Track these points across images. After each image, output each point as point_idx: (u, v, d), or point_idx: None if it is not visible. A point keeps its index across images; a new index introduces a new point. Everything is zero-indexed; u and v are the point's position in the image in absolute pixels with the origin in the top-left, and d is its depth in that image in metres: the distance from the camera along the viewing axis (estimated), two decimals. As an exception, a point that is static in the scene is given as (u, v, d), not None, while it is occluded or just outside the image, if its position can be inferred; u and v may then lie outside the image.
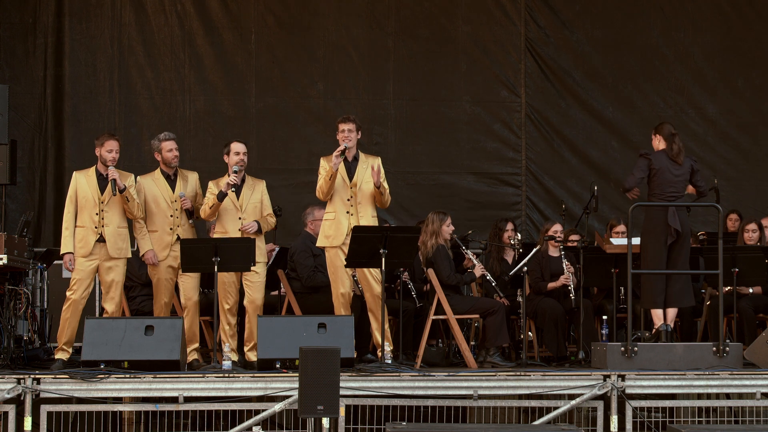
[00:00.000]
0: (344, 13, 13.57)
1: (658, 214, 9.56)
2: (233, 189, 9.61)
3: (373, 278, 9.42)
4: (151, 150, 9.94)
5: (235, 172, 9.60)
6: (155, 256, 9.68)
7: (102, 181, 9.61)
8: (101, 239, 9.52)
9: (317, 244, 9.70)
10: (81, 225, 9.54)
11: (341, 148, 9.42)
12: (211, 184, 9.75)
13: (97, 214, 9.54)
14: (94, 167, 9.70)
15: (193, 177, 9.94)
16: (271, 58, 13.54)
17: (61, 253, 9.57)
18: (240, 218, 9.67)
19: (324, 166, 9.56)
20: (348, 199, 9.51)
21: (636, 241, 9.73)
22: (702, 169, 10.06)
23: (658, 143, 9.75)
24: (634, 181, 9.67)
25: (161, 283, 9.72)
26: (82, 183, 9.59)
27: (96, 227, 9.52)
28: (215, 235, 9.75)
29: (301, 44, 13.54)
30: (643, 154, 9.71)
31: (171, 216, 9.73)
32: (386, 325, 9.36)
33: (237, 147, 9.76)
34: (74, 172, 9.76)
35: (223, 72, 13.50)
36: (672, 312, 9.66)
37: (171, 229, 9.70)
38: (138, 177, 9.86)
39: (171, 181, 9.80)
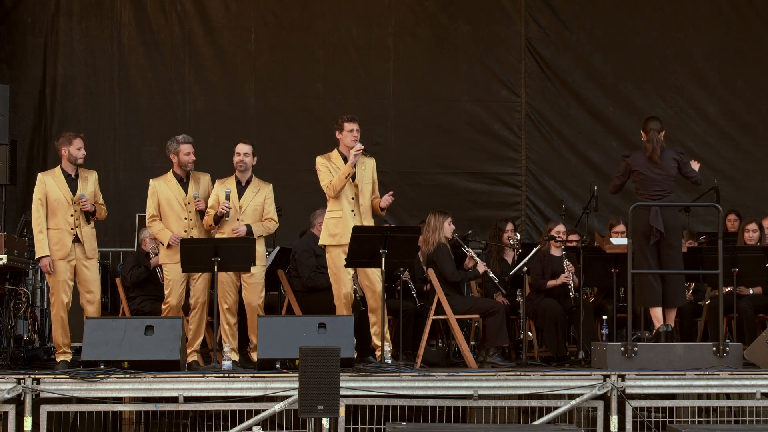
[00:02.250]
0: (344, 12, 13.57)
1: (643, 213, 9.55)
2: (227, 217, 9.64)
3: (376, 277, 9.44)
4: (167, 151, 9.86)
5: (227, 207, 9.61)
6: (176, 239, 9.61)
7: (71, 181, 9.59)
8: (77, 239, 9.51)
9: (320, 243, 9.69)
10: (55, 227, 9.50)
11: (361, 147, 9.45)
12: (217, 184, 9.79)
13: (71, 215, 9.52)
14: (58, 167, 9.66)
15: (205, 179, 9.91)
16: (271, 58, 13.54)
17: (38, 257, 9.52)
18: (238, 219, 9.69)
19: (325, 163, 9.56)
20: (353, 198, 9.53)
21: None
22: (697, 166, 10.04)
23: (644, 137, 9.75)
24: (614, 188, 9.80)
25: (171, 284, 9.68)
26: (51, 185, 9.54)
27: (72, 228, 9.51)
28: (216, 235, 9.75)
29: (301, 44, 13.54)
30: (623, 156, 9.75)
31: (186, 219, 9.71)
32: (386, 326, 9.36)
33: (238, 147, 9.81)
34: (39, 174, 9.71)
35: (222, 72, 13.50)
36: (672, 312, 9.66)
37: (186, 231, 9.68)
38: (151, 180, 9.86)
39: (183, 183, 9.79)
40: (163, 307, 9.76)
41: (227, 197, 9.67)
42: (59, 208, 9.50)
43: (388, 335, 9.41)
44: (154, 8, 13.43)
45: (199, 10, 13.48)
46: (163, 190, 9.75)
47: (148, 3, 13.42)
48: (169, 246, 9.64)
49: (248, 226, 9.69)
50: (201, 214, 9.76)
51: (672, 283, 9.60)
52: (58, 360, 9.45)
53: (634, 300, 9.68)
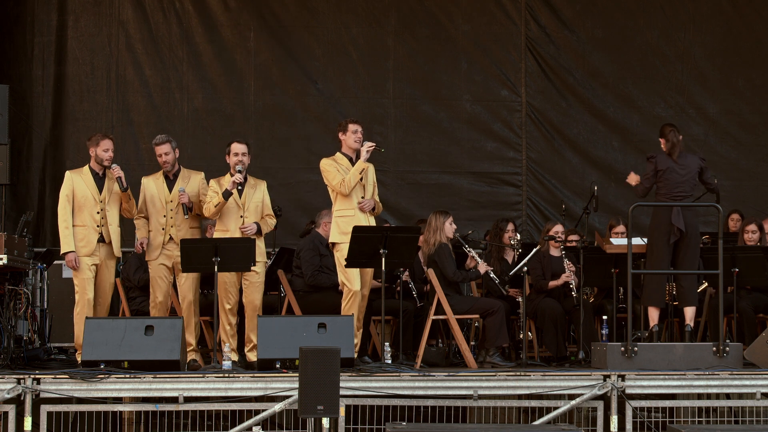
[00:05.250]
0: (343, 11, 13.55)
1: (664, 213, 9.59)
2: (238, 188, 9.60)
3: (368, 281, 9.46)
4: (151, 148, 9.91)
5: (239, 171, 9.60)
6: (144, 244, 9.69)
7: (99, 179, 9.64)
8: (102, 238, 9.55)
9: (330, 240, 9.67)
10: (81, 224, 9.57)
11: (373, 144, 9.48)
12: (212, 182, 9.74)
13: (98, 212, 9.58)
14: (86, 166, 9.72)
15: (196, 177, 9.90)
16: (270, 56, 13.52)
17: (63, 252, 9.57)
18: (242, 217, 9.68)
19: (332, 164, 9.56)
20: (362, 198, 9.55)
21: (641, 241, 9.77)
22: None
23: (663, 145, 9.79)
24: (643, 191, 9.76)
25: (154, 282, 9.73)
26: (79, 182, 9.60)
27: (98, 226, 9.57)
28: (216, 234, 9.74)
29: (301, 42, 13.52)
30: (649, 157, 9.78)
31: (164, 216, 9.73)
32: (379, 327, 9.36)
33: (236, 147, 9.75)
34: (67, 172, 9.77)
35: (221, 70, 13.48)
36: (690, 311, 9.66)
37: (163, 229, 9.71)
38: (143, 178, 9.90)
39: (170, 181, 9.80)
40: (150, 305, 9.78)
41: (239, 171, 9.58)
42: (85, 205, 9.56)
43: (377, 335, 9.39)
44: (153, 6, 13.41)
45: (198, 8, 13.46)
46: (150, 187, 9.82)
47: (147, 1, 13.40)
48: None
49: (257, 224, 9.69)
50: (185, 208, 9.72)
51: (688, 282, 9.62)
52: (79, 360, 9.40)
53: (641, 297, 9.71)
